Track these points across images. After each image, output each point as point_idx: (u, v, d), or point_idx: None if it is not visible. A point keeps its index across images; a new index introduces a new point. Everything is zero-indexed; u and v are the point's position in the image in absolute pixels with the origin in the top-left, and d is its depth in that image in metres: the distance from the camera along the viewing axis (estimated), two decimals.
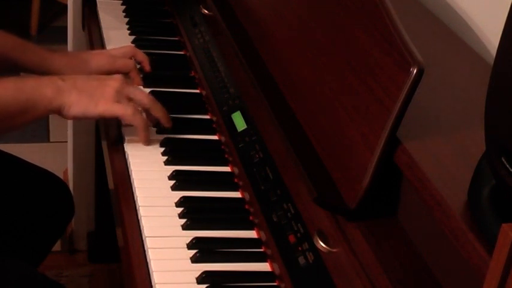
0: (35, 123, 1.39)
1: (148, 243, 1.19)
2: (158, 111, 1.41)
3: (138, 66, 1.61)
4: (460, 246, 0.89)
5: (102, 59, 1.59)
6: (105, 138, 1.48)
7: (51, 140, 2.95)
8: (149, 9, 1.91)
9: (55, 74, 1.56)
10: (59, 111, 1.36)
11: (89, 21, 1.88)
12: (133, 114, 1.37)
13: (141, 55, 1.62)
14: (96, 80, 1.40)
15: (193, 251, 1.18)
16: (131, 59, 1.61)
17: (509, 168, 0.80)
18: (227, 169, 1.38)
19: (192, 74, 1.65)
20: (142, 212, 1.25)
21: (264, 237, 1.22)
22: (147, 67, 1.62)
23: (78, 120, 1.55)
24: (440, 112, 1.14)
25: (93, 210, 2.35)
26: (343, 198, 1.08)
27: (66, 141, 2.44)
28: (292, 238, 1.15)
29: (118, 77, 1.43)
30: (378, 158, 1.04)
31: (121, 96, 1.37)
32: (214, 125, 1.49)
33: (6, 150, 1.69)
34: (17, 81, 1.35)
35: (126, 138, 1.41)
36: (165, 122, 1.42)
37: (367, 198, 1.05)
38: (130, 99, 1.38)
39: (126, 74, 1.57)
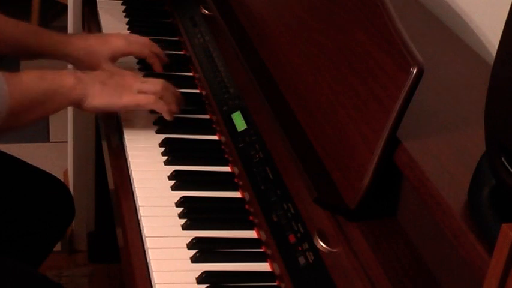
0: (35, 123, 1.38)
1: (148, 243, 1.19)
2: (169, 100, 1.42)
3: None
4: (460, 246, 0.88)
5: (119, 41, 1.59)
6: (105, 138, 1.48)
7: (51, 140, 2.95)
8: (149, 9, 1.91)
9: (71, 56, 1.57)
10: (79, 102, 1.37)
11: (89, 21, 1.88)
12: (156, 102, 1.40)
13: (157, 48, 1.63)
14: (116, 74, 1.42)
15: (193, 251, 1.18)
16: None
17: (509, 168, 0.80)
18: (227, 169, 1.38)
19: (192, 74, 1.65)
20: (142, 212, 1.25)
21: (264, 237, 1.22)
22: (164, 58, 1.64)
23: (98, 112, 1.54)
24: (440, 112, 1.14)
25: (93, 210, 2.34)
26: (343, 198, 1.08)
27: (66, 141, 2.44)
28: (292, 238, 1.15)
29: (133, 72, 1.46)
30: (378, 158, 1.04)
31: (141, 86, 1.40)
32: (214, 125, 1.49)
33: (6, 151, 1.69)
34: (38, 71, 1.35)
35: (127, 138, 1.41)
36: (169, 114, 1.43)
37: (367, 198, 1.05)
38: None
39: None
